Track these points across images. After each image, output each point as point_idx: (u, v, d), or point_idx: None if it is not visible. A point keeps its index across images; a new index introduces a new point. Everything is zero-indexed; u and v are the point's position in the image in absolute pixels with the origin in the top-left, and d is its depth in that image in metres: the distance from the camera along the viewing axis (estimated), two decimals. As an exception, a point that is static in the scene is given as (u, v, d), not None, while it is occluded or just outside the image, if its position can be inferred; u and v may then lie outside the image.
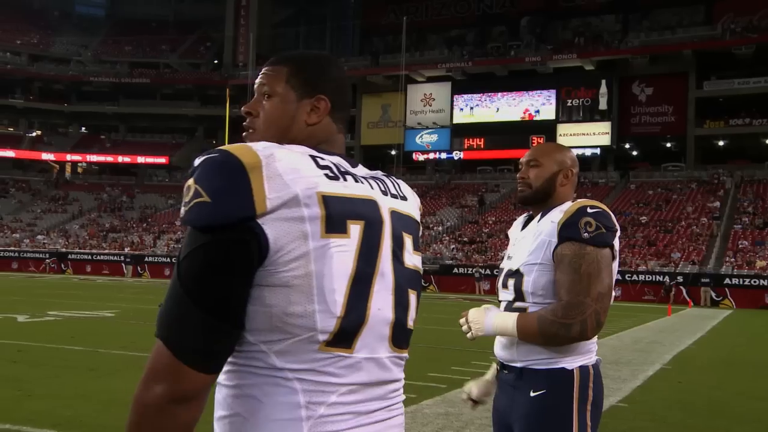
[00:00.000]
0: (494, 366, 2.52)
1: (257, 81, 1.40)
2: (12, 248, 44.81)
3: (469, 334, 2.40)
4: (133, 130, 60.79)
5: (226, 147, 1.18)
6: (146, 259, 41.93)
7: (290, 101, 1.34)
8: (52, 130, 60.55)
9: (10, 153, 57.62)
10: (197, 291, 1.11)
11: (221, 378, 1.21)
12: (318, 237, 1.16)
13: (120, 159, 58.86)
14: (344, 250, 1.19)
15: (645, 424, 6.38)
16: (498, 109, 50.19)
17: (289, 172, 1.17)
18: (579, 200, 2.35)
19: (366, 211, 1.24)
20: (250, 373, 1.18)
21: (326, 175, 1.22)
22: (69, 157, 59.73)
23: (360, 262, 1.21)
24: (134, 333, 12.51)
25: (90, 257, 42.98)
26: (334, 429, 1.17)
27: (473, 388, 2.59)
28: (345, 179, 1.25)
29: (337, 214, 1.18)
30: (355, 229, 1.21)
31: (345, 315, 1.19)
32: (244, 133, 1.40)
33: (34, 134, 59.61)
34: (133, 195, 55.54)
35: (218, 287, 1.12)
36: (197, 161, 1.18)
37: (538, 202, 2.41)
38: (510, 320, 2.28)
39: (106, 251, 43.91)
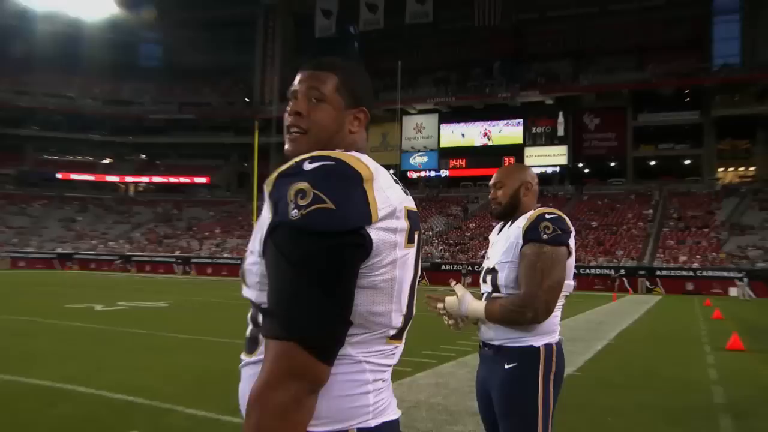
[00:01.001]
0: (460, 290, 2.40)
1: (303, 83, 1.22)
2: (90, 252, 44.99)
3: (461, 326, 2.40)
4: (181, 156, 60.72)
5: (339, 156, 1.07)
6: (192, 260, 41.88)
7: (340, 109, 1.21)
8: (119, 157, 60.74)
9: (90, 177, 58.07)
10: (332, 289, 1.01)
11: None
12: (402, 247, 1.10)
13: (171, 180, 58.93)
14: (412, 256, 1.14)
15: (595, 388, 6.41)
16: (466, 133, 50.24)
17: (387, 187, 1.10)
18: (540, 208, 2.33)
19: (417, 221, 1.18)
20: None
21: (402, 190, 1.16)
22: (132, 179, 59.91)
23: (416, 267, 1.18)
24: (185, 320, 12.60)
25: (149, 259, 42.97)
26: (384, 396, 1.16)
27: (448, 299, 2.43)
28: (408, 194, 1.19)
29: (412, 227, 1.13)
30: (416, 238, 1.17)
31: (406, 313, 1.16)
32: (289, 134, 1.22)
33: (106, 161, 59.93)
34: (181, 209, 55.41)
35: (346, 285, 1.04)
36: (310, 165, 1.05)
37: (509, 214, 2.39)
38: (480, 308, 2.29)
39: (162, 254, 43.90)
